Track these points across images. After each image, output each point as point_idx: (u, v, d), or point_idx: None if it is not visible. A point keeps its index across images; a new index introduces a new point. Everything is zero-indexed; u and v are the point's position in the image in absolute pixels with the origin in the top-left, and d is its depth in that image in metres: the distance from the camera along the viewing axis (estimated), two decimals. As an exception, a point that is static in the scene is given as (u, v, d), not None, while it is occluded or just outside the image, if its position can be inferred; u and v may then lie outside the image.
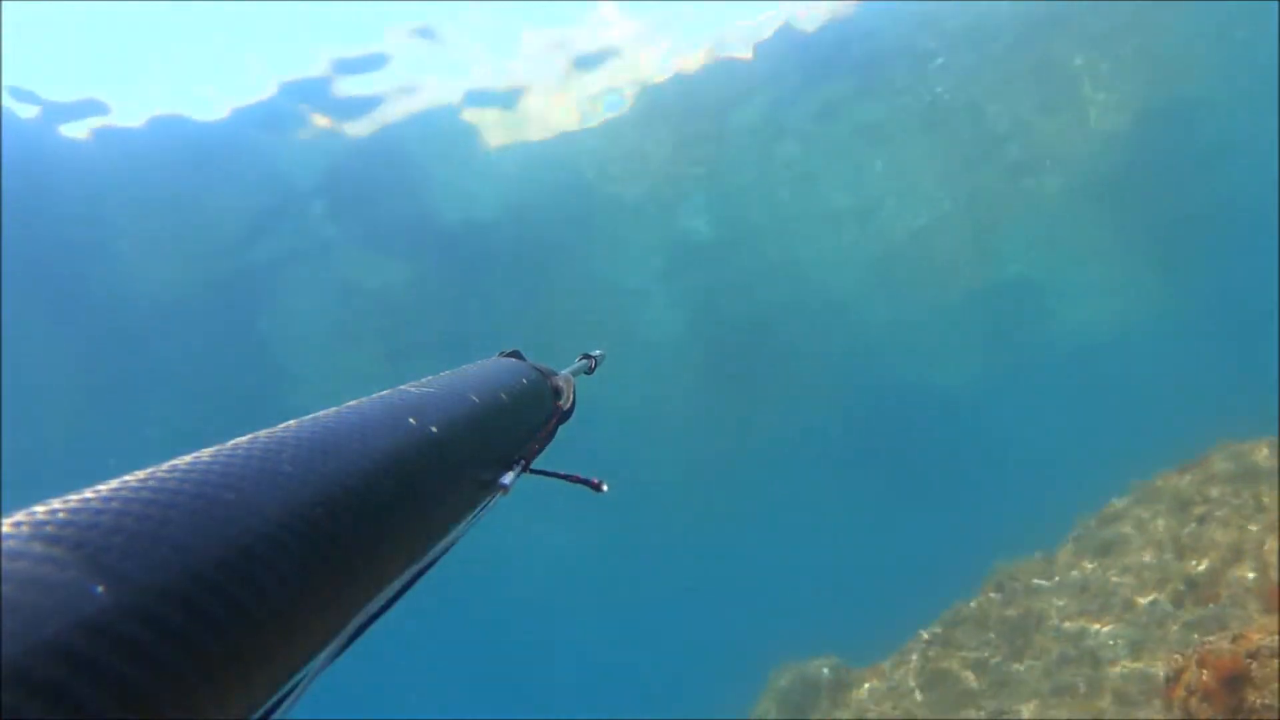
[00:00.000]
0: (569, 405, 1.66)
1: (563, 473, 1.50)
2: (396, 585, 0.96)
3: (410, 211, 17.19)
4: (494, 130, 16.11)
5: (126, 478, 0.70)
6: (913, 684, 10.15)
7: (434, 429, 1.08)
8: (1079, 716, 8.97)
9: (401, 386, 1.20)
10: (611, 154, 17.04)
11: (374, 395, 1.13)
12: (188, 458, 0.78)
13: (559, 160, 16.76)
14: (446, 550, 1.11)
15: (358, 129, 15.25)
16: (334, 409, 1.03)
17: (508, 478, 1.28)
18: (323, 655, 0.79)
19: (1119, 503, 11.46)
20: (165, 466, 0.74)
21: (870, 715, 9.90)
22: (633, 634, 35.89)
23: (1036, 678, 9.69)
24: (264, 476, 0.77)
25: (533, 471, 1.42)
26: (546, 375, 1.67)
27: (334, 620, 0.80)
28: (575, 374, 1.84)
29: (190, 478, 0.72)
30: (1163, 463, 11.68)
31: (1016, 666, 9.90)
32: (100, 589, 0.55)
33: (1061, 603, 10.36)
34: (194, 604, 0.60)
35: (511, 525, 27.63)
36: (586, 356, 2.12)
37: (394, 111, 15.07)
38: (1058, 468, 26.67)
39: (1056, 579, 10.71)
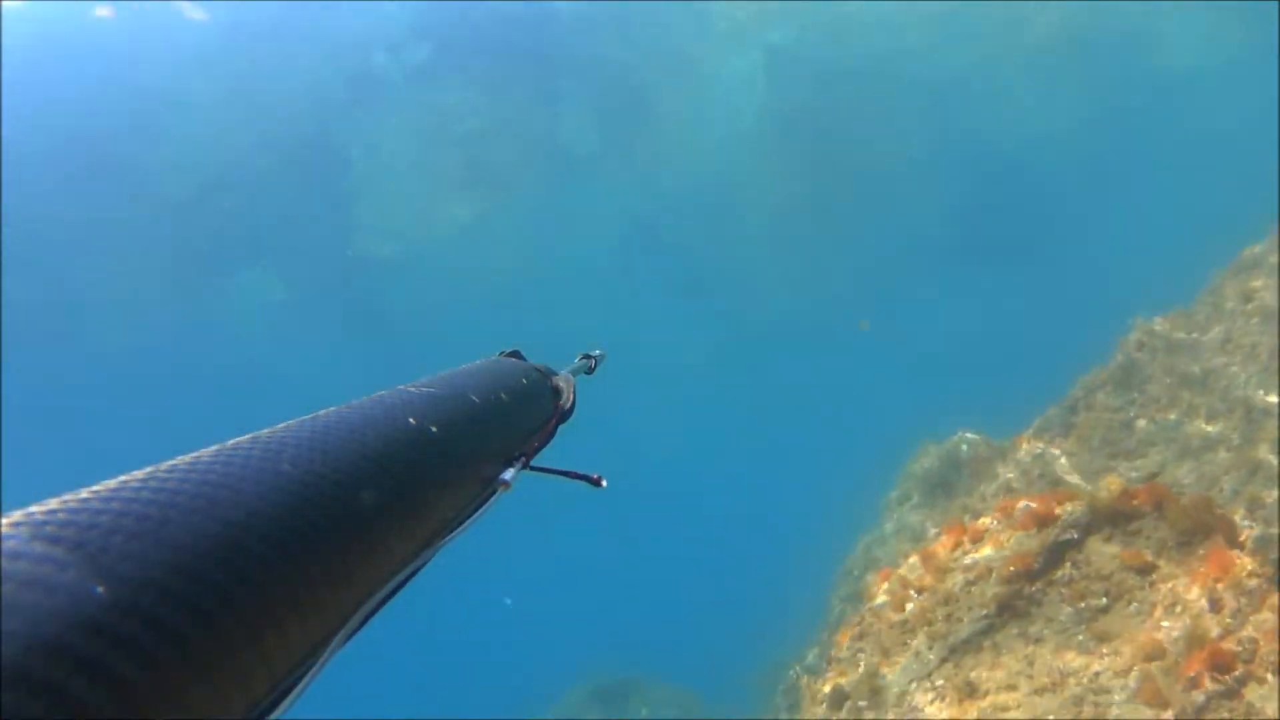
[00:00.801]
0: (569, 405, 1.67)
1: (562, 469, 1.50)
2: (396, 582, 0.94)
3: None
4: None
5: (126, 478, 0.69)
6: (1058, 450, 10.12)
7: (433, 429, 1.09)
8: (1237, 468, 8.95)
9: (402, 386, 1.20)
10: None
11: (374, 395, 1.13)
12: (188, 457, 0.77)
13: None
14: (447, 545, 1.10)
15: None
16: (334, 409, 1.02)
17: (509, 474, 1.29)
18: (323, 653, 0.77)
19: (1255, 248, 10.96)
20: (165, 466, 0.73)
21: (1016, 486, 9.96)
22: (756, 432, 36.92)
23: (1187, 433, 9.60)
24: (264, 477, 0.76)
25: (533, 469, 1.43)
26: (546, 375, 1.70)
27: (334, 618, 0.79)
28: (575, 373, 1.87)
29: (190, 478, 0.71)
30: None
31: (1166, 420, 9.81)
32: (100, 589, 0.55)
33: (1206, 354, 10.09)
34: (194, 604, 0.60)
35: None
36: (586, 356, 2.14)
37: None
38: (1187, 220, 25.74)
39: (1196, 333, 10.40)
